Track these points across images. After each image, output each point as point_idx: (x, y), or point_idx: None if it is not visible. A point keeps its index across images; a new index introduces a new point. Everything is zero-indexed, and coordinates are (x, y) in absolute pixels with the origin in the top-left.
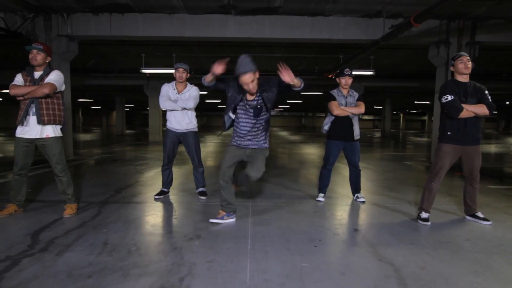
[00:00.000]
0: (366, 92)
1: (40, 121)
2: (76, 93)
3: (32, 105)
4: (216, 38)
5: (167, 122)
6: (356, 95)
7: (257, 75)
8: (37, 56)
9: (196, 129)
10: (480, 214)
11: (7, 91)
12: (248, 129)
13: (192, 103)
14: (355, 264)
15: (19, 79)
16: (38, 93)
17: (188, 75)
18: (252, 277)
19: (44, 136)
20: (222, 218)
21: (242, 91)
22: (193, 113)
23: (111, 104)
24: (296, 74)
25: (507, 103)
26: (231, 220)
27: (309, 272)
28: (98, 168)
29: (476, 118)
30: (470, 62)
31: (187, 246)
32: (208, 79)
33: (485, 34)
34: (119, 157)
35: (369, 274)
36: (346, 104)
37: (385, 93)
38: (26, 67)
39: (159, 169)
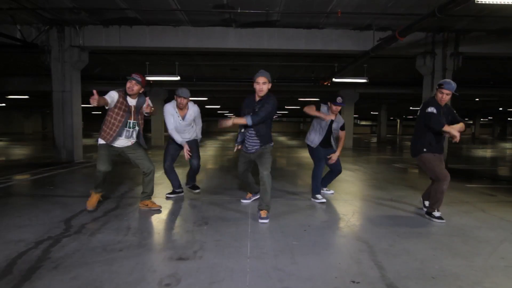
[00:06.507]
0: (362, 98)
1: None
2: None
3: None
4: (218, 48)
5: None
6: (341, 122)
7: (269, 85)
8: (134, 87)
9: (199, 137)
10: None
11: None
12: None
13: (199, 127)
14: (336, 243)
15: (114, 95)
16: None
17: (189, 99)
18: (252, 251)
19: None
20: (250, 199)
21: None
22: (195, 128)
23: None
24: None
25: (500, 109)
26: (257, 197)
27: (298, 248)
28: None
29: (443, 136)
30: (448, 97)
31: (197, 230)
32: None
33: (468, 46)
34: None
35: (347, 249)
36: (327, 126)
37: (380, 100)
38: (124, 90)
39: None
